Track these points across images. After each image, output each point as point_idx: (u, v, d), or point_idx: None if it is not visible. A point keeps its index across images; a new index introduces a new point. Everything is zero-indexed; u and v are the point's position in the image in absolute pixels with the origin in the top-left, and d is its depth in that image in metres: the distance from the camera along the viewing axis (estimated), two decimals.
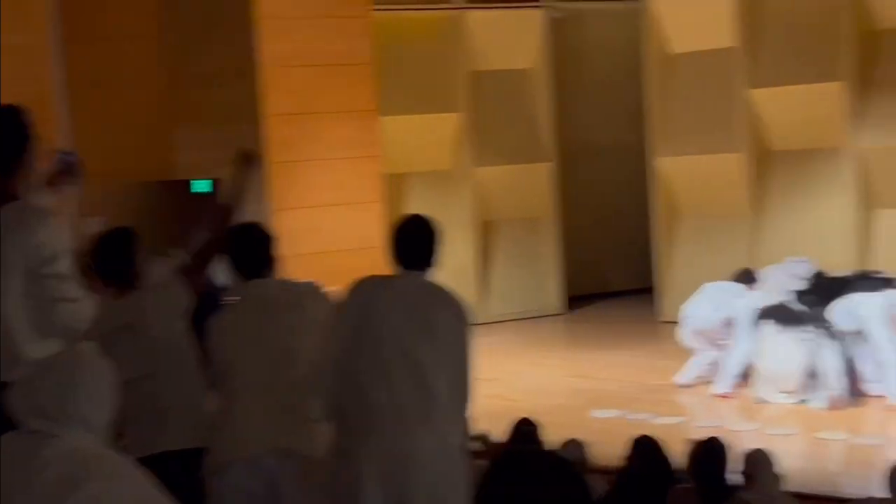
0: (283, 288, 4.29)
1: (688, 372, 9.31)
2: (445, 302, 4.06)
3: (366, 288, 4.09)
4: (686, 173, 12.56)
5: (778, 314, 8.55)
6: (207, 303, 4.26)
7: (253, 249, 4.24)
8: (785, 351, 8.39)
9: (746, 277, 9.32)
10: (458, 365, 3.96)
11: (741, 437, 7.40)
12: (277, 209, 11.49)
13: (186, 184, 11.56)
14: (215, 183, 11.45)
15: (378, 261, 13.51)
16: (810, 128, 11.61)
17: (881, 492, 5.25)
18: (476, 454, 5.84)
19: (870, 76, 11.19)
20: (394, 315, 3.94)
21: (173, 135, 11.86)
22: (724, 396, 8.82)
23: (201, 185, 11.40)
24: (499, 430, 5.54)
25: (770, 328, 8.52)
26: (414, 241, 4.23)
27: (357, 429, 3.79)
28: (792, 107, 11.69)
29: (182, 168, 11.86)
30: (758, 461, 5.14)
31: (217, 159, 11.65)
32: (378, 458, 3.70)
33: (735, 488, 4.96)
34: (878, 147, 11.13)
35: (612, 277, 14.62)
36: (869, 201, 11.29)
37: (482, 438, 5.90)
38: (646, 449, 5.01)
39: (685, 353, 9.45)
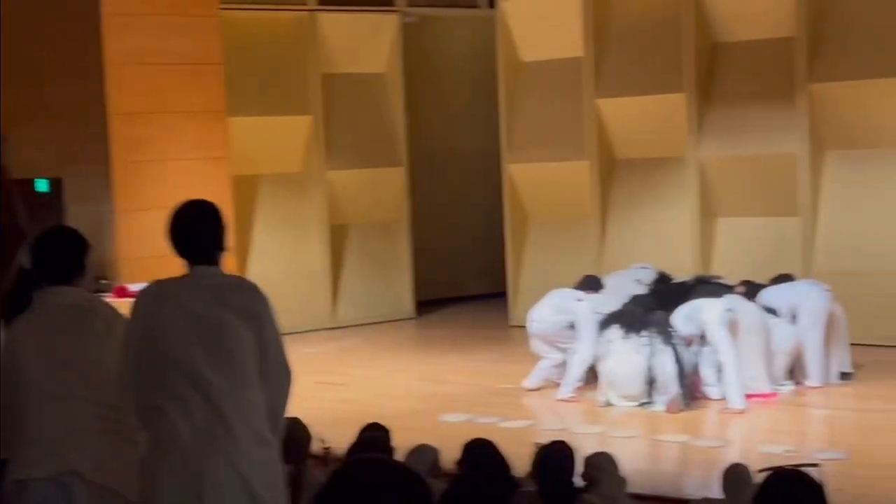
0: (80, 297, 3.91)
1: (535, 376, 9.43)
2: (238, 301, 3.66)
3: (149, 297, 3.69)
4: (536, 180, 12.75)
5: (621, 320, 8.73)
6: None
7: (56, 255, 3.91)
8: (627, 356, 8.58)
9: (591, 283, 9.50)
10: (266, 365, 3.69)
11: (585, 439, 7.53)
12: (123, 210, 11.22)
13: (30, 182, 11.21)
14: (51, 183, 11.11)
15: (229, 263, 13.29)
16: (654, 137, 11.93)
17: (717, 492, 5.40)
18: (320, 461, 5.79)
19: (709, 88, 11.56)
20: (178, 330, 3.57)
21: (11, 133, 11.45)
22: (568, 400, 8.96)
23: (41, 185, 11.06)
24: (348, 436, 5.49)
25: (613, 334, 8.70)
26: (194, 230, 3.73)
27: (158, 447, 3.57)
28: (637, 117, 11.99)
29: (23, 167, 11.48)
30: (600, 463, 5.23)
31: (60, 158, 11.37)
32: (178, 477, 3.50)
33: (580, 491, 5.03)
34: (716, 157, 11.50)
35: (464, 282, 14.75)
36: (709, 209, 11.65)
37: (325, 452, 5.80)
38: (478, 453, 4.99)
39: (535, 358, 9.58)
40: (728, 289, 9.08)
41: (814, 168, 10.91)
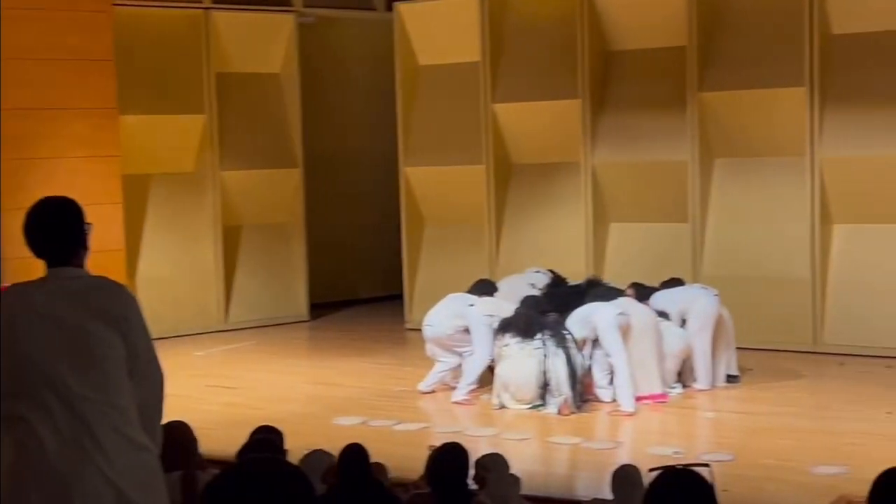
0: None
1: (430, 379, 9.45)
2: (102, 304, 3.47)
3: (6, 302, 3.48)
4: (432, 183, 12.79)
5: (516, 324, 8.80)
6: None
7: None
8: (521, 360, 8.64)
9: (484, 287, 9.55)
10: (136, 368, 3.56)
11: (478, 442, 7.56)
12: (9, 209, 10.91)
13: None
14: None
15: (119, 264, 13.01)
16: (549, 143, 12.05)
17: (608, 493, 5.47)
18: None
19: (603, 95, 11.73)
20: (39, 337, 3.39)
21: None
22: (463, 403, 9.00)
23: None
24: (239, 439, 5.42)
25: (507, 337, 8.76)
26: (51, 229, 3.54)
27: (23, 457, 3.43)
28: (533, 122, 12.11)
29: None
30: (490, 464, 5.25)
31: None
32: (45, 489, 3.38)
33: (474, 493, 5.04)
34: (609, 163, 11.67)
35: (359, 285, 14.70)
36: (602, 215, 11.81)
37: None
38: (352, 458, 4.95)
39: (430, 361, 9.59)
40: (620, 292, 9.21)
41: (703, 175, 11.14)
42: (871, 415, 8.24)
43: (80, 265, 3.59)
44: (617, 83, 11.67)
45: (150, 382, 3.59)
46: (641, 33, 11.46)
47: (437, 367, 9.44)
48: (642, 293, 9.25)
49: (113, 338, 3.45)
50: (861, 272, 10.50)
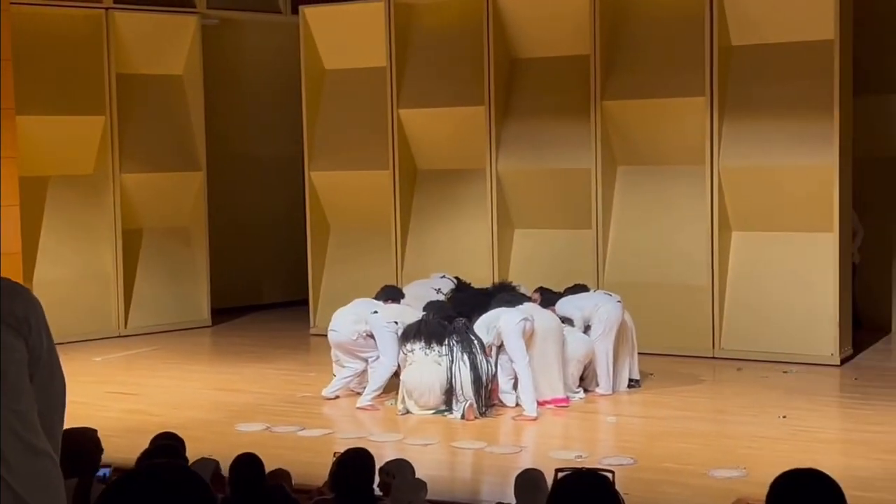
0: None
1: (334, 384, 9.40)
2: (4, 307, 3.33)
3: None
4: (338, 188, 12.74)
5: (420, 330, 8.80)
6: None
7: None
8: (426, 366, 8.65)
9: (390, 293, 9.55)
10: (38, 373, 3.48)
11: (384, 447, 7.54)
12: None
13: None
14: None
15: (16, 267, 12.67)
16: (455, 149, 12.09)
17: (511, 498, 5.50)
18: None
19: (509, 103, 11.81)
20: None
21: None
22: (367, 409, 8.97)
23: None
24: (140, 446, 5.33)
25: (412, 344, 8.76)
26: None
27: None
28: (438, 128, 12.14)
29: None
30: (394, 470, 5.24)
31: None
32: None
33: (379, 499, 5.03)
34: (514, 170, 11.75)
35: (264, 290, 14.57)
36: (507, 221, 11.89)
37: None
38: (244, 468, 4.89)
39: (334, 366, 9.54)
40: (525, 297, 9.28)
41: (605, 183, 11.29)
42: (767, 419, 8.42)
43: None
44: (522, 91, 11.77)
45: (52, 388, 3.52)
46: (546, 42, 11.57)
47: (342, 373, 9.40)
48: (547, 299, 9.33)
49: (14, 341, 3.37)
50: (758, 279, 10.74)
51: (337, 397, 9.34)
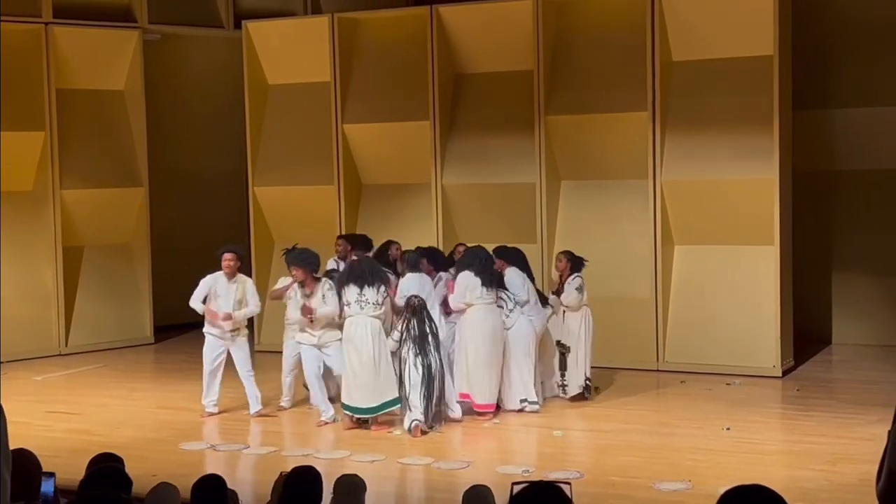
0: None
1: (285, 398, 9.41)
2: None
3: None
4: (282, 203, 12.66)
5: (349, 274, 8.92)
6: None
7: None
8: (361, 319, 8.69)
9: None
10: None
11: (330, 465, 7.49)
12: None
13: None
14: None
15: None
16: (400, 164, 12.09)
17: None
18: None
19: (453, 117, 11.83)
20: None
21: None
22: (322, 425, 8.93)
23: None
24: (80, 467, 5.24)
25: (346, 291, 8.82)
26: None
27: None
28: (383, 143, 12.12)
29: None
30: (346, 486, 5.18)
31: None
32: None
33: None
34: (459, 184, 11.76)
35: None
36: (452, 235, 11.88)
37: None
38: (208, 489, 4.79)
39: (276, 384, 9.47)
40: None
41: (550, 196, 11.34)
42: (711, 431, 8.49)
43: None
44: (466, 105, 11.80)
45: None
46: (490, 57, 11.62)
47: (289, 387, 9.40)
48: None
49: None
50: (701, 292, 10.83)
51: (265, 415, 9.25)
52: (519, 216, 11.46)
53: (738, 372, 10.44)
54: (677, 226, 10.91)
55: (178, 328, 13.70)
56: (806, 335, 11.63)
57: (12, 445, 4.70)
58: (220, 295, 9.31)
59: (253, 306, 9.43)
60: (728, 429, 8.52)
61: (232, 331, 9.31)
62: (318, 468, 5.06)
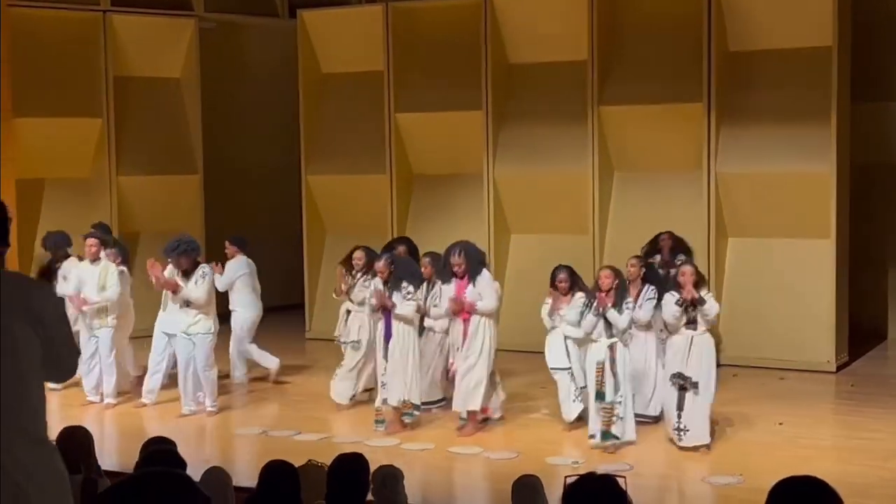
0: None
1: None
2: (16, 299, 3.42)
3: None
4: (335, 192, 12.72)
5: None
6: None
7: None
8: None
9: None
10: (49, 361, 3.53)
11: (379, 452, 7.52)
12: None
13: None
14: None
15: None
16: (452, 154, 12.08)
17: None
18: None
19: (506, 108, 11.80)
20: None
21: None
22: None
23: None
24: (132, 451, 5.30)
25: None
26: None
27: None
28: (436, 133, 12.12)
29: None
30: (383, 478, 5.19)
31: None
32: None
33: None
34: (511, 175, 11.74)
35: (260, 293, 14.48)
36: (503, 226, 11.88)
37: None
38: (275, 475, 4.84)
39: (329, 370, 9.52)
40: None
41: (602, 187, 11.28)
42: (764, 426, 8.41)
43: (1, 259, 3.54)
44: (519, 96, 11.76)
45: (60, 370, 3.61)
46: (544, 47, 11.57)
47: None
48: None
49: (27, 333, 3.41)
50: (754, 285, 10.72)
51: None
52: (570, 207, 11.41)
53: (791, 366, 10.33)
54: (731, 218, 10.81)
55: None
56: (861, 330, 11.47)
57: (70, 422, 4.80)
58: (85, 281, 9.29)
59: (110, 293, 9.29)
60: (781, 424, 8.44)
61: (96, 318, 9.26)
62: (368, 456, 5.08)
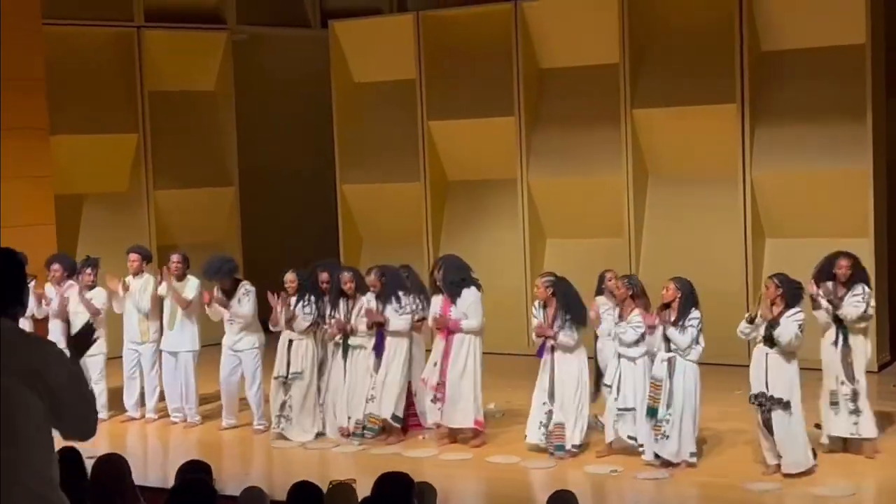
0: None
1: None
2: (16, 362, 3.36)
3: None
4: (369, 200, 12.76)
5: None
6: None
7: None
8: None
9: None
10: (61, 414, 3.45)
11: (420, 463, 7.54)
12: None
13: None
14: None
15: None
16: (485, 160, 12.08)
17: None
18: None
19: (538, 113, 11.79)
20: None
21: None
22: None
23: None
24: (172, 462, 5.33)
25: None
26: None
27: None
28: (469, 139, 12.13)
29: None
30: (423, 492, 5.18)
31: None
32: None
33: None
34: (545, 180, 11.73)
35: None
36: (538, 231, 11.86)
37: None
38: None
39: None
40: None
41: (637, 191, 11.24)
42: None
43: (14, 319, 3.47)
44: (551, 100, 11.75)
45: (77, 420, 3.52)
46: (574, 51, 11.55)
47: None
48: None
49: (30, 398, 3.36)
50: None
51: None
52: (605, 211, 11.38)
53: None
54: (768, 218, 10.73)
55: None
56: None
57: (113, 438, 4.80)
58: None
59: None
60: (818, 426, 8.36)
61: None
62: (405, 467, 5.07)
